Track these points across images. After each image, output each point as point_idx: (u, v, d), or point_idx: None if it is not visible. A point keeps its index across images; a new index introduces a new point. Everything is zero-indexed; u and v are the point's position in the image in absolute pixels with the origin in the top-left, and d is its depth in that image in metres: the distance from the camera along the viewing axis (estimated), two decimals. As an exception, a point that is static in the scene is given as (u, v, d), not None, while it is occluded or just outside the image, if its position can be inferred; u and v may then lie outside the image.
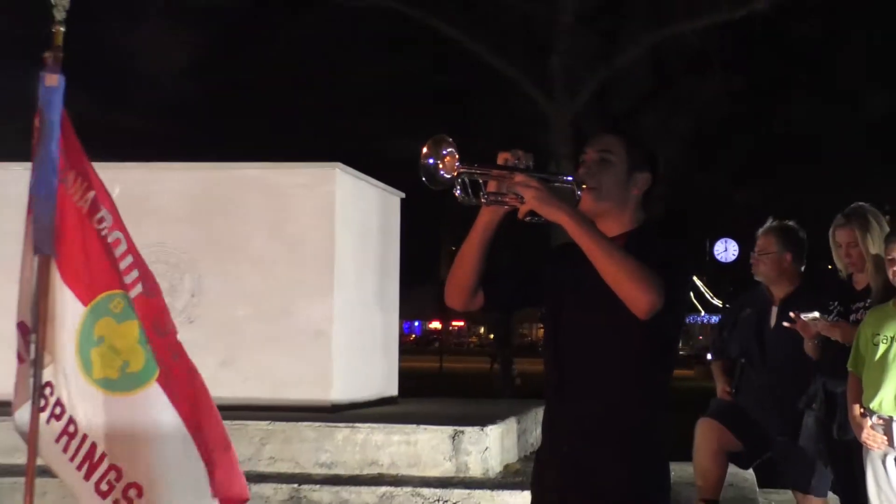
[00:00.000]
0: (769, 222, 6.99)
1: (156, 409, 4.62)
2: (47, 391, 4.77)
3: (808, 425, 6.52)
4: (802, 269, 6.86)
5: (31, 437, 5.17)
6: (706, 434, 7.02)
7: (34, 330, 4.82)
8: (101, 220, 4.86)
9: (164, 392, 4.68)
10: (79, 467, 4.66)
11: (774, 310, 6.71)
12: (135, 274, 4.80)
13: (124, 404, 4.69)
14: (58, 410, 4.77)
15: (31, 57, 5.21)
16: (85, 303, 4.73)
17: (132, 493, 4.57)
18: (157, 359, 4.69)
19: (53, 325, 4.77)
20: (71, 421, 4.70)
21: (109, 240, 4.83)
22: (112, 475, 4.61)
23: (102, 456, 4.64)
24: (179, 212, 8.49)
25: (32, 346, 4.81)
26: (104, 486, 4.62)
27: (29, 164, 5.12)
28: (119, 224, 4.86)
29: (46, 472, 5.39)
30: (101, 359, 4.69)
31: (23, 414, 4.73)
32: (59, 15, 5.14)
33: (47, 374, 4.81)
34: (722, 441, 6.96)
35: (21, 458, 5.28)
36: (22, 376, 4.79)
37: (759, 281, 6.99)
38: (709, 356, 31.86)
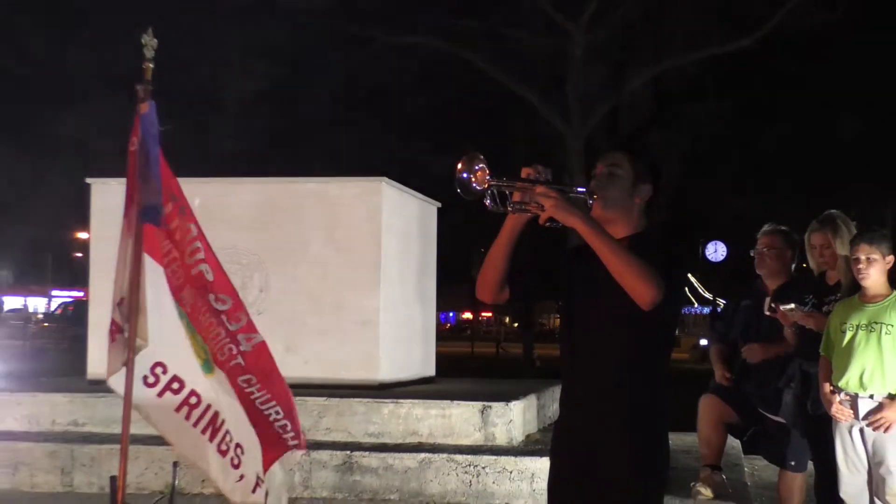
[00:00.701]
0: (771, 225, 7.04)
1: (223, 387, 4.74)
2: (158, 370, 4.83)
3: (786, 401, 6.54)
4: (794, 266, 6.89)
5: (125, 406, 5.22)
6: (709, 408, 7.08)
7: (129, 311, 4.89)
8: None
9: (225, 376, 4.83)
10: (203, 431, 4.77)
11: (768, 300, 6.73)
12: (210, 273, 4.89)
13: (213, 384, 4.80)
14: (175, 385, 4.84)
15: (126, 88, 5.26)
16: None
17: (238, 451, 4.73)
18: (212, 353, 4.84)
19: (147, 312, 4.78)
20: (192, 393, 4.79)
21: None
22: (228, 437, 4.77)
23: (223, 422, 4.79)
24: (249, 220, 8.53)
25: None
26: (223, 447, 4.76)
27: (124, 180, 5.18)
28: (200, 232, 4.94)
29: (138, 440, 5.44)
30: (195, 345, 4.81)
31: (118, 380, 4.73)
32: (149, 53, 5.21)
33: (158, 355, 4.88)
34: (723, 414, 7.03)
35: (117, 429, 5.31)
36: (118, 347, 4.81)
37: (759, 275, 7.01)
38: (702, 342, 31.71)
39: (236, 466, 4.76)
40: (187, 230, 4.91)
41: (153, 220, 4.76)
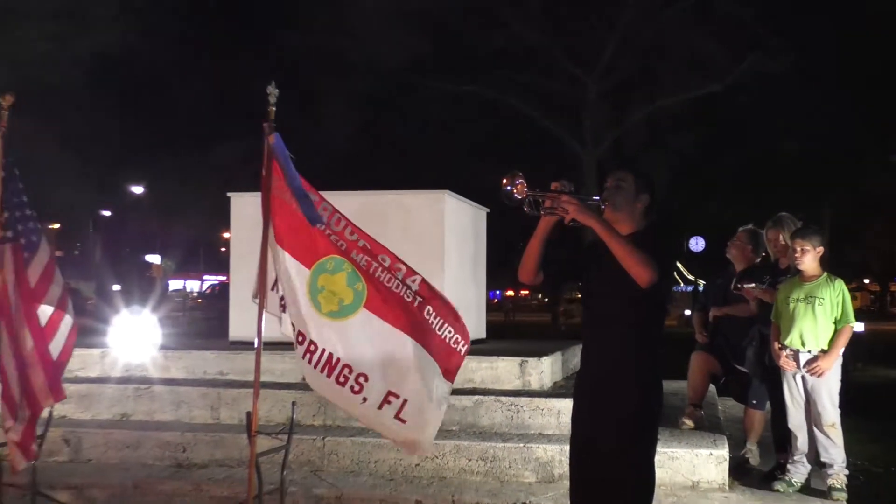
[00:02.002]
0: (745, 226, 7.08)
1: (368, 324, 4.82)
2: (299, 338, 4.90)
3: (749, 356, 6.62)
4: (759, 257, 6.91)
5: (256, 361, 5.25)
6: (699, 361, 7.20)
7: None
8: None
9: (373, 314, 4.89)
10: (336, 380, 4.82)
11: (734, 280, 6.80)
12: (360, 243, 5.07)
13: (346, 325, 4.85)
14: (312, 348, 4.89)
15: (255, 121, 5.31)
16: (308, 266, 4.90)
17: (362, 379, 4.80)
18: (368, 296, 4.94)
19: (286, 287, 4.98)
20: (323, 351, 4.84)
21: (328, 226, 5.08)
22: (346, 370, 4.83)
23: (346, 365, 4.82)
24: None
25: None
26: (356, 387, 4.80)
27: (257, 194, 5.25)
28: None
29: (266, 385, 5.49)
30: (325, 300, 4.85)
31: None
32: (272, 100, 5.26)
33: (293, 320, 4.98)
34: (709, 366, 7.14)
35: (251, 377, 5.37)
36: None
37: (730, 260, 7.08)
38: (687, 312, 31.60)
39: (357, 392, 4.79)
40: (338, 220, 5.12)
41: (319, 222, 4.95)
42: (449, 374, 4.90)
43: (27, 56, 18.70)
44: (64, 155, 26.52)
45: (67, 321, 5.51)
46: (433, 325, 4.88)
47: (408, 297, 4.95)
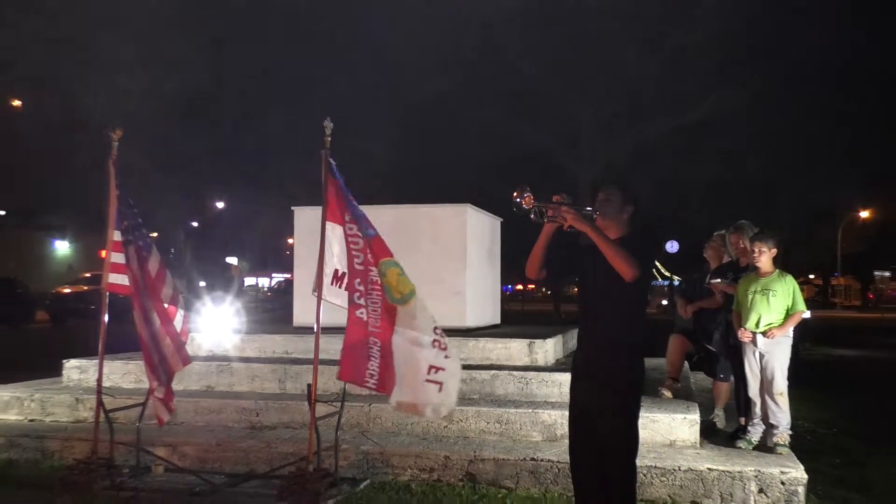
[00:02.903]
0: (719, 231, 7.05)
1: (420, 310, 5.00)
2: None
3: (716, 338, 6.59)
4: (726, 257, 6.87)
5: (315, 342, 5.27)
6: (675, 342, 7.23)
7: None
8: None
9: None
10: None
11: (708, 276, 6.78)
12: None
13: (408, 309, 4.98)
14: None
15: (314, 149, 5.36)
16: (375, 265, 5.03)
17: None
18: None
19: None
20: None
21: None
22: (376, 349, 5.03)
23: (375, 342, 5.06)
24: (387, 230, 8.52)
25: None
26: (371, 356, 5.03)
27: (317, 208, 5.31)
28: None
29: (323, 362, 5.51)
30: (392, 288, 4.96)
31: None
32: (328, 131, 5.28)
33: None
34: (683, 346, 7.18)
35: (311, 355, 5.41)
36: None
37: (705, 259, 7.07)
38: (664, 302, 31.46)
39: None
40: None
41: (372, 234, 5.14)
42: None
43: (132, 99, 18.86)
44: (161, 179, 26.83)
45: (181, 312, 5.77)
46: (370, 353, 5.08)
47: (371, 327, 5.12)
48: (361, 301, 5.11)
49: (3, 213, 43.19)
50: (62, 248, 46.49)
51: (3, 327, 21.80)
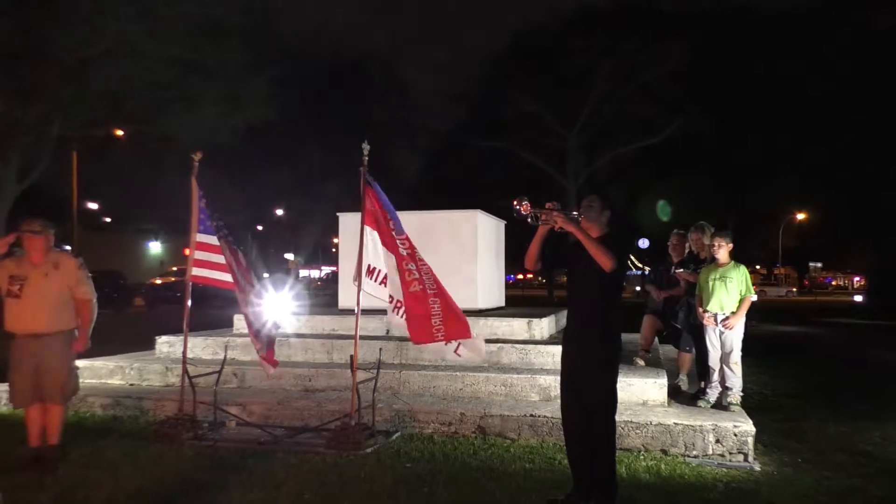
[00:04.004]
0: (676, 231, 6.97)
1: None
2: (393, 301, 5.22)
3: (681, 317, 6.50)
4: (687, 251, 6.75)
5: (356, 320, 5.26)
6: (648, 321, 7.20)
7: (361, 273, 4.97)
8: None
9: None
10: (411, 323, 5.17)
11: (673, 267, 6.69)
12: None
13: (417, 295, 5.12)
14: (399, 305, 5.19)
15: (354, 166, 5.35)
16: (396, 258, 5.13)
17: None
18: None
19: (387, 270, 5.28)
20: (398, 302, 5.19)
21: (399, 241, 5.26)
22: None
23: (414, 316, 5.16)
24: (413, 232, 8.53)
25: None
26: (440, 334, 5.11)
27: (357, 214, 5.31)
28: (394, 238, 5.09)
29: (363, 337, 5.51)
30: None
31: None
32: (366, 151, 5.27)
33: (390, 291, 5.22)
34: (655, 325, 7.15)
35: (352, 332, 5.40)
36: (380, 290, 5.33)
37: (670, 253, 6.94)
38: (637, 288, 31.43)
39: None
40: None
41: (402, 232, 5.26)
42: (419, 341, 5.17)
43: (204, 126, 19.03)
44: (233, 191, 27.01)
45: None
46: (433, 312, 5.14)
47: (429, 290, 5.17)
48: (416, 275, 5.14)
49: (108, 219, 43.70)
50: (154, 247, 46.89)
51: (108, 311, 21.97)
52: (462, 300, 8.29)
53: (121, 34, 16.99)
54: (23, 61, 16.28)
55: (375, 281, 5.31)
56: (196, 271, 5.73)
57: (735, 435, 4.99)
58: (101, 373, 7.17)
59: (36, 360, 4.66)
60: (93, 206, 38.24)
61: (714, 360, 5.82)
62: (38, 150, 18.31)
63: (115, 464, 4.70)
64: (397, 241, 5.20)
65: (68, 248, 22.12)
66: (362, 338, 5.51)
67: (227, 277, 5.62)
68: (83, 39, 16.79)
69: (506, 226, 9.92)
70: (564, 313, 4.34)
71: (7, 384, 4.81)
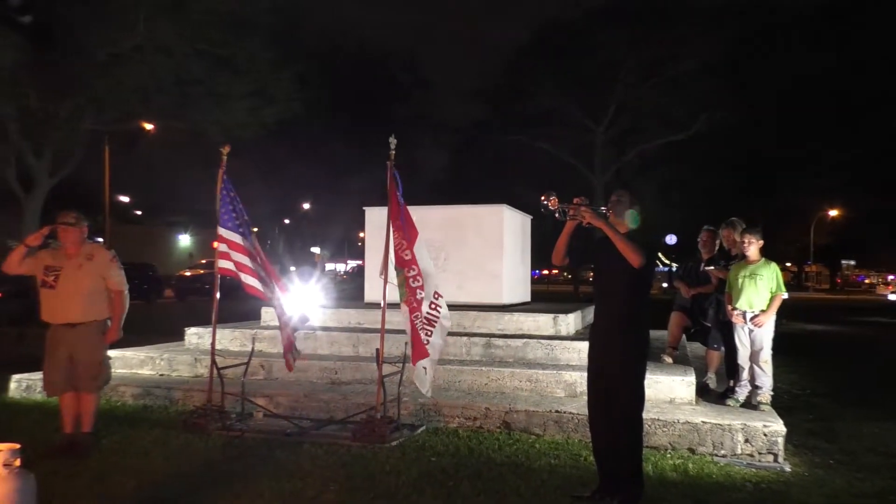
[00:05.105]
0: (706, 227, 6.83)
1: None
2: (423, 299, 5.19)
3: (710, 314, 6.43)
4: (717, 248, 6.67)
5: (382, 315, 5.28)
6: (676, 318, 7.05)
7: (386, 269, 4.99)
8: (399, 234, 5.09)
9: (407, 307, 5.08)
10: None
11: (702, 264, 6.60)
12: (408, 254, 5.01)
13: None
14: (436, 296, 5.17)
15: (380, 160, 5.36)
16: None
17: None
18: (407, 294, 5.13)
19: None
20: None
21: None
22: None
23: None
24: (438, 226, 8.56)
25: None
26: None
27: (383, 208, 5.32)
28: (410, 238, 5.05)
29: (389, 331, 5.51)
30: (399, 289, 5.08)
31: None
32: (392, 146, 5.27)
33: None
34: (682, 322, 7.00)
35: (378, 325, 5.43)
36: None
37: (699, 249, 6.84)
38: (664, 285, 31.19)
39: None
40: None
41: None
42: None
43: (234, 122, 19.22)
44: (261, 185, 27.25)
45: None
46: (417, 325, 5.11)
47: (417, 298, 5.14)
48: (418, 283, 5.12)
49: (139, 212, 44.42)
50: (184, 240, 47.56)
51: (140, 302, 22.34)
52: (487, 295, 8.37)
53: (151, 30, 17.22)
54: (56, 57, 16.59)
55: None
56: (222, 263, 5.78)
57: (765, 435, 4.91)
58: (132, 363, 7.30)
59: (70, 349, 4.75)
60: (124, 199, 38.90)
61: (743, 358, 5.74)
62: (70, 144, 18.66)
63: (146, 452, 4.79)
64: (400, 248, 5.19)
65: (101, 240, 22.53)
66: (388, 331, 5.53)
67: (248, 279, 5.63)
68: (115, 35, 17.05)
69: (532, 221, 9.89)
70: (591, 309, 4.31)
71: (42, 373, 4.92)
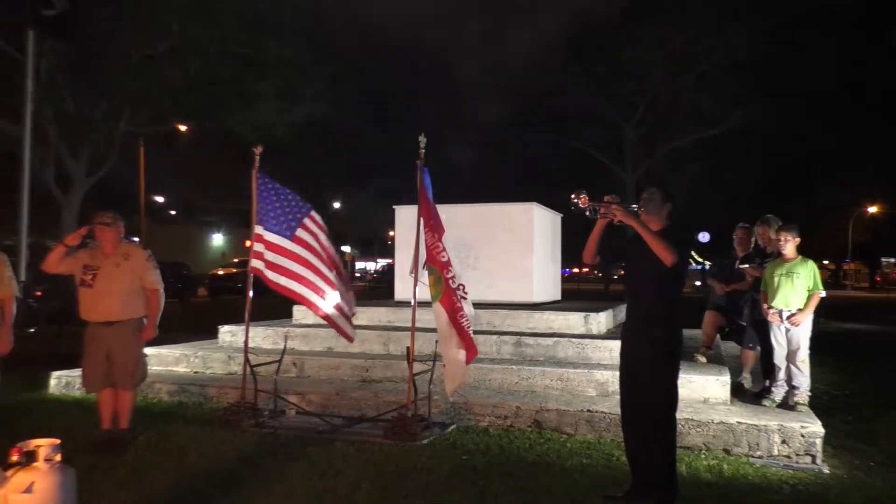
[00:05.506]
0: (741, 224, 6.74)
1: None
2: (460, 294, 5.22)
3: (745, 313, 6.35)
4: (752, 245, 6.56)
5: (412, 313, 5.29)
6: (710, 317, 6.95)
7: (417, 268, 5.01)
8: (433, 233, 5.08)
9: (441, 305, 5.07)
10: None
11: (737, 261, 6.50)
12: (445, 256, 5.03)
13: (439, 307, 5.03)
14: (464, 291, 5.20)
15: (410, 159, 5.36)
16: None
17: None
18: (444, 292, 5.10)
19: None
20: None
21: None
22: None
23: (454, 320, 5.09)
24: (468, 224, 8.56)
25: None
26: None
27: (413, 207, 5.32)
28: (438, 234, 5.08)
29: (418, 329, 5.53)
30: (431, 286, 5.09)
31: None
32: (422, 145, 5.27)
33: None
34: (717, 320, 6.90)
35: (408, 324, 5.43)
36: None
37: (735, 247, 6.74)
38: (697, 283, 30.84)
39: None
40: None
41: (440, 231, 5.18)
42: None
43: (264, 122, 19.44)
44: (291, 185, 27.51)
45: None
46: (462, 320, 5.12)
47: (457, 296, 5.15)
48: (457, 283, 5.14)
49: (173, 212, 45.20)
50: (217, 239, 48.25)
51: (174, 300, 22.71)
52: (517, 293, 8.35)
53: (184, 31, 17.51)
54: (92, 60, 16.96)
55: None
56: (256, 263, 5.83)
57: (802, 436, 4.82)
58: (167, 360, 7.43)
59: (107, 347, 4.85)
60: (159, 199, 39.60)
61: (780, 357, 5.64)
62: (106, 145, 19.06)
63: (182, 448, 4.87)
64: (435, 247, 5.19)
65: (136, 239, 22.96)
66: (419, 330, 5.54)
67: (279, 279, 5.65)
68: (150, 37, 17.38)
69: (562, 219, 9.83)
70: (622, 307, 4.27)
71: (81, 370, 5.03)
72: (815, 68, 24.01)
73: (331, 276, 5.59)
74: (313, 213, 5.76)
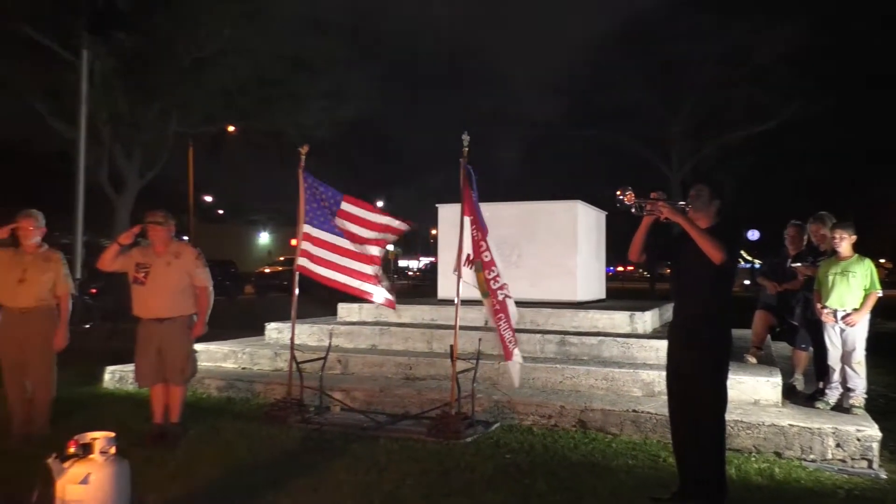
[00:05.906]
0: (793, 222, 6.56)
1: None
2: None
3: (798, 313, 6.17)
4: (805, 243, 6.37)
5: (455, 310, 5.29)
6: (760, 316, 6.79)
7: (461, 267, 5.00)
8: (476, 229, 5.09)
9: (493, 301, 5.05)
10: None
11: (789, 260, 6.33)
12: (487, 256, 5.02)
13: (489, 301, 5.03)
14: (507, 290, 5.24)
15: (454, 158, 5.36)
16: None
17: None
18: (489, 290, 5.13)
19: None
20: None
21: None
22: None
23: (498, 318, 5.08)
24: (511, 222, 8.53)
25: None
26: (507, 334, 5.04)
27: (456, 205, 5.33)
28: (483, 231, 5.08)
29: (462, 328, 5.52)
30: (479, 285, 5.06)
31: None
32: (466, 143, 5.26)
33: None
34: (767, 320, 6.72)
35: (451, 322, 5.44)
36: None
37: (786, 245, 6.55)
38: (746, 282, 30.19)
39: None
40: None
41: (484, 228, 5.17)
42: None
43: (310, 121, 19.70)
44: (334, 182, 27.85)
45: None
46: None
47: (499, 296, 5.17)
48: (499, 284, 5.14)
49: (221, 211, 46.20)
50: (263, 238, 49.15)
51: (222, 298, 23.19)
52: (561, 292, 8.29)
53: (234, 34, 17.86)
54: (144, 63, 17.43)
55: (473, 270, 5.31)
56: (302, 261, 5.92)
57: (858, 439, 4.67)
58: (216, 356, 7.59)
59: (158, 343, 4.98)
60: (208, 198, 40.52)
61: (834, 359, 5.47)
62: (158, 146, 19.58)
63: (231, 442, 4.97)
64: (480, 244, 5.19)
65: (186, 238, 23.52)
66: (462, 328, 5.54)
67: (331, 275, 5.76)
68: (199, 40, 17.78)
69: (607, 217, 9.71)
70: (669, 307, 4.20)
71: (134, 365, 5.18)
72: (871, 56, 23.16)
73: (370, 251, 5.70)
74: (347, 197, 5.83)
